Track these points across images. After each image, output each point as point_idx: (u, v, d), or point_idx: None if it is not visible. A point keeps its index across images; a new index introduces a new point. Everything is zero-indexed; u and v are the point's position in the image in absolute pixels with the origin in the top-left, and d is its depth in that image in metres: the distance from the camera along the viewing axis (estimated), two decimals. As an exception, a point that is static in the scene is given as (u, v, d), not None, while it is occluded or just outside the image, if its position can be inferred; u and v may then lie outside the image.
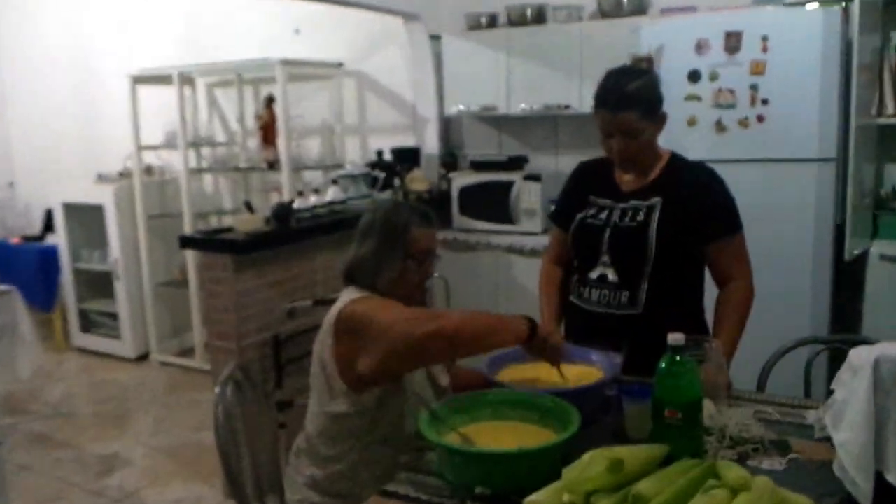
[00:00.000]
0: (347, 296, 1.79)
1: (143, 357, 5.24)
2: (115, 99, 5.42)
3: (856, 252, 3.11)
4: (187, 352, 5.22)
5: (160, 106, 5.04)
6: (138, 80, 4.97)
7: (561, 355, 1.79)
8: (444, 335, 1.57)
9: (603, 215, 2.13)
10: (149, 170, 5.33)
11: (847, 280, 3.30)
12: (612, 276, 2.08)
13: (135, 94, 4.94)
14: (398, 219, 1.84)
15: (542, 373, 1.82)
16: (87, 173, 5.43)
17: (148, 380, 4.88)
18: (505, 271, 3.99)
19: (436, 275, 3.68)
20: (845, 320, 3.29)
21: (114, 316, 5.28)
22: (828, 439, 1.50)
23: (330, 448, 1.78)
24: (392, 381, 1.73)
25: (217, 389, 1.91)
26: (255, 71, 4.96)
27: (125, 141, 5.09)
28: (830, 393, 1.53)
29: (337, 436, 1.76)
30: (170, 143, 4.97)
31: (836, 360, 2.05)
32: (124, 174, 5.34)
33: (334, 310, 1.77)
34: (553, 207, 2.47)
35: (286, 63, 4.39)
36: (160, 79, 4.90)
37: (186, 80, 5.04)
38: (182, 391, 4.65)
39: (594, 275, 2.12)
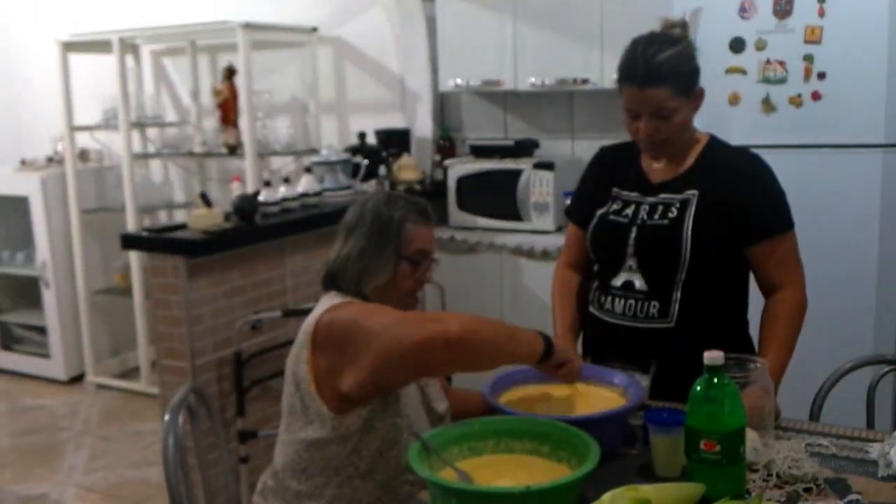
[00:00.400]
0: (327, 302, 1.81)
1: (76, 379, 5.23)
2: (41, 70, 5.42)
3: (929, 256, 3.14)
4: (130, 373, 5.21)
5: (97, 78, 5.04)
6: (70, 46, 4.97)
7: (577, 378, 1.84)
8: (447, 340, 1.58)
9: (628, 211, 2.15)
10: (84, 155, 5.32)
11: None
12: (639, 283, 2.10)
13: (66, 64, 4.94)
14: (391, 213, 1.86)
15: (554, 397, 1.84)
16: (8, 159, 5.42)
17: (83, 406, 4.88)
18: (511, 277, 4.00)
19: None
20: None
21: (42, 330, 5.27)
22: (894, 478, 1.52)
23: (302, 483, 1.79)
24: (383, 396, 1.75)
25: (166, 417, 1.92)
26: (212, 36, 4.96)
27: (54, 120, 5.09)
28: (898, 422, 1.55)
29: (311, 467, 1.78)
30: (109, 123, 4.96)
31: (905, 383, 2.07)
32: (54, 160, 5.34)
33: (311, 317, 1.79)
34: (569, 202, 2.49)
35: (249, 27, 4.40)
36: (96, 45, 4.90)
37: (128, 47, 5.05)
38: (124, 419, 4.65)
39: (618, 282, 2.14)
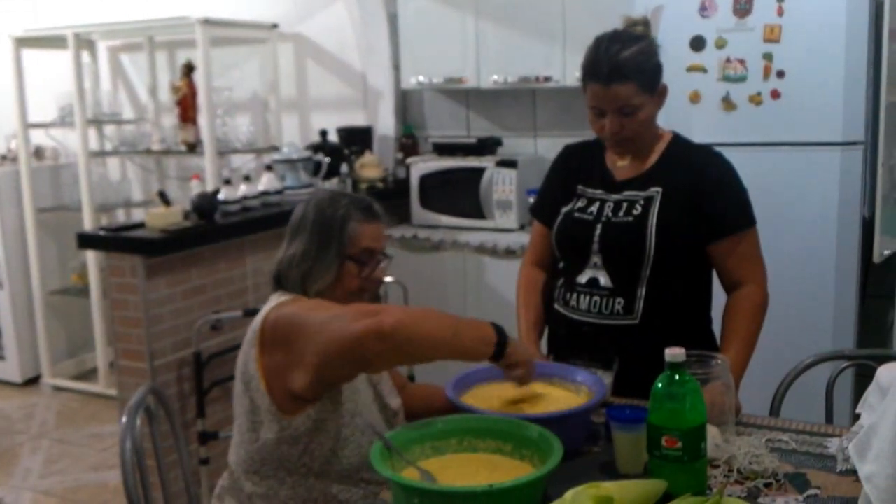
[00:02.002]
0: (275, 300, 1.80)
1: (32, 381, 5.15)
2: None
3: (887, 253, 3.18)
4: (88, 374, 5.15)
5: (52, 75, 4.97)
6: (23, 42, 4.89)
7: (531, 374, 1.79)
8: (381, 332, 1.55)
9: (593, 209, 2.16)
10: (38, 152, 5.25)
11: (876, 285, 3.38)
12: (604, 279, 2.12)
13: (19, 60, 4.86)
14: (334, 212, 1.84)
15: (517, 395, 1.84)
16: (-39, 156, 5.33)
17: (38, 409, 4.81)
18: (475, 275, 4.01)
19: (390, 279, 3.71)
20: (874, 333, 3.36)
21: (-5, 331, 5.20)
22: (853, 472, 1.54)
23: (256, 484, 1.78)
24: (329, 392, 1.73)
25: (124, 419, 1.89)
26: (170, 32, 4.91)
27: (8, 117, 5.01)
28: (856, 418, 1.57)
29: (264, 468, 1.76)
30: (65, 121, 4.90)
31: (863, 379, 2.10)
32: (7, 157, 5.26)
33: (259, 316, 1.78)
34: (532, 200, 2.50)
35: (208, 23, 4.35)
36: (51, 41, 4.82)
37: (84, 42, 4.97)
38: (81, 422, 4.59)
39: (583, 279, 2.15)
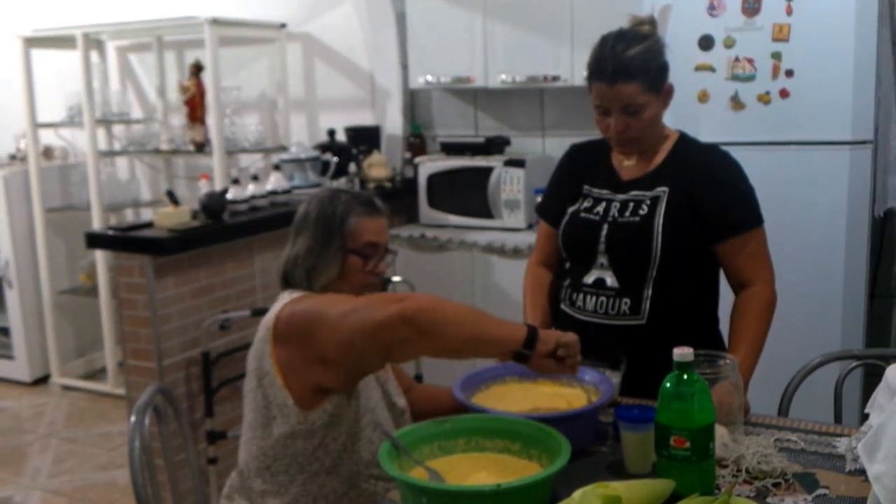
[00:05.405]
0: (285, 297, 1.82)
1: (41, 380, 5.17)
2: (2, 66, 5.35)
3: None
4: (97, 374, 5.17)
5: (61, 75, 4.99)
6: (32, 42, 4.91)
7: (577, 360, 1.73)
8: (403, 317, 1.56)
9: (599, 209, 2.16)
10: (47, 152, 5.27)
11: (885, 285, 3.37)
12: (610, 280, 2.12)
13: (28, 60, 4.88)
14: (334, 208, 1.87)
15: (524, 394, 1.84)
16: (-30, 156, 5.35)
17: (47, 408, 4.83)
18: (483, 274, 4.01)
19: (398, 278, 3.72)
20: (883, 332, 3.35)
21: (4, 331, 5.21)
22: (862, 472, 1.54)
23: (267, 481, 1.78)
24: (355, 384, 1.74)
25: (133, 418, 1.90)
26: (179, 32, 4.93)
27: (17, 117, 5.03)
28: (865, 417, 1.57)
29: (275, 465, 1.77)
30: (73, 120, 4.92)
31: (872, 378, 2.10)
32: (16, 157, 5.28)
33: (271, 313, 1.80)
34: (540, 199, 2.50)
35: (216, 23, 4.36)
36: (60, 41, 4.84)
37: (93, 42, 4.99)
38: (90, 421, 4.61)
39: (590, 279, 2.15)
